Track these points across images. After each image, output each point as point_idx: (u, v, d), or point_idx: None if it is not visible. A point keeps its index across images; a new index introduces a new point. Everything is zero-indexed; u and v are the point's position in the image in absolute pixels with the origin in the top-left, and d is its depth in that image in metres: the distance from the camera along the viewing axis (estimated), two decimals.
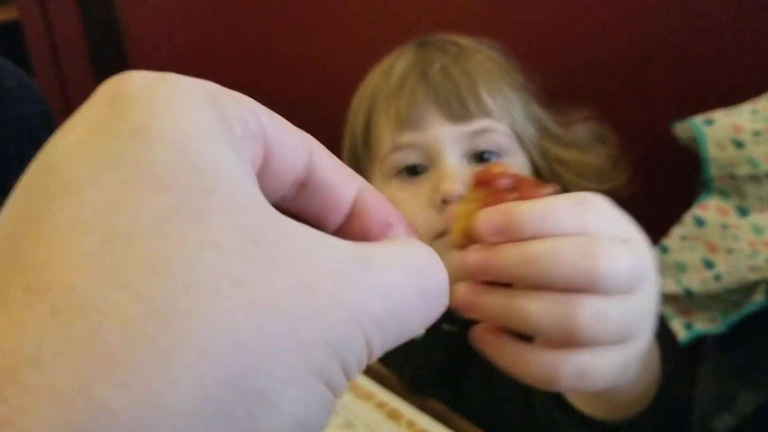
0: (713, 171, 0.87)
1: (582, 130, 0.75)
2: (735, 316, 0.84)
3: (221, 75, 1.17)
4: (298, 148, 0.22)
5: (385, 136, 0.69)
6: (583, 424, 0.46)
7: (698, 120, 0.88)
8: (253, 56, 1.34)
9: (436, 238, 0.65)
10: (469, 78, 0.67)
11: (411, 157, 0.67)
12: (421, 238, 0.57)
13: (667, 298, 0.91)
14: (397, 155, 0.67)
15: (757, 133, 0.84)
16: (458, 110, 0.65)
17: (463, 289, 0.34)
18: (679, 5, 1.01)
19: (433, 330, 0.61)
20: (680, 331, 0.91)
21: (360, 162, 0.74)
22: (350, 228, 0.24)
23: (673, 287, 0.89)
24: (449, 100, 0.65)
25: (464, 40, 0.74)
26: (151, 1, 1.42)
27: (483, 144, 0.65)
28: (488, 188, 0.34)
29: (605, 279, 0.31)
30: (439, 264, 0.22)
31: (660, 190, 1.05)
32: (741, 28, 0.98)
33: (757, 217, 0.85)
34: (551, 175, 0.72)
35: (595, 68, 1.07)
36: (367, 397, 0.69)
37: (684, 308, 0.91)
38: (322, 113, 1.29)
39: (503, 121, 0.67)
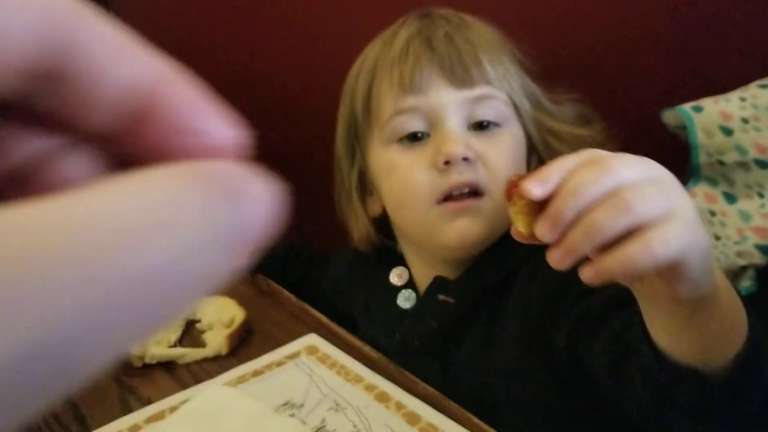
0: (701, 158, 0.87)
1: (571, 108, 0.76)
2: None
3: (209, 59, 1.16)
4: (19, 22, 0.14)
5: (388, 101, 0.70)
6: (678, 373, 0.46)
7: (687, 107, 0.88)
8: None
9: (439, 203, 0.66)
10: (472, 46, 0.68)
11: (413, 123, 0.69)
12: (422, 202, 0.60)
13: None
14: (399, 119, 0.69)
15: (745, 121, 0.84)
16: (461, 76, 0.67)
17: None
18: None
19: (429, 299, 0.63)
20: None
21: (359, 130, 0.75)
22: (131, 141, 0.16)
23: None
24: (453, 65, 0.67)
25: (465, 15, 0.75)
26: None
27: (483, 110, 0.68)
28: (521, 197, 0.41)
29: (643, 213, 0.39)
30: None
31: None
32: (730, 17, 0.99)
33: (744, 204, 0.86)
34: (544, 145, 0.73)
35: (585, 54, 1.07)
36: (356, 380, 0.70)
37: None
38: (311, 109, 1.30)
39: (502, 89, 0.68)
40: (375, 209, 0.78)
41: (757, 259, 0.78)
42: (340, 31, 1.24)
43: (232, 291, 0.92)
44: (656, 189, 0.40)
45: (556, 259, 0.40)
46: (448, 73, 0.67)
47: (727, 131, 0.85)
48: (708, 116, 0.86)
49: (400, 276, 0.77)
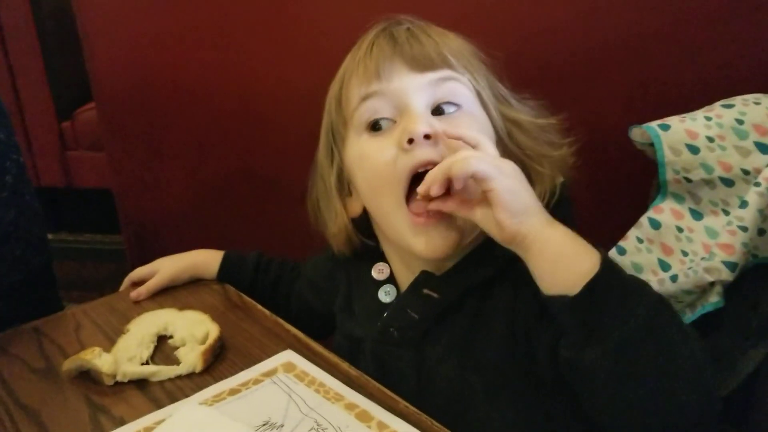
0: (668, 175, 0.89)
1: (533, 104, 0.79)
2: (690, 317, 0.86)
3: (187, 80, 1.15)
4: None
5: (355, 91, 0.73)
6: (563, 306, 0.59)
7: (654, 125, 0.90)
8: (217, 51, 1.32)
9: (401, 185, 0.70)
10: (433, 40, 0.72)
11: (378, 107, 0.71)
12: (391, 185, 0.71)
13: None
14: (365, 106, 0.72)
15: (711, 139, 0.87)
16: (422, 61, 0.70)
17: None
18: (636, 11, 1.04)
19: (413, 292, 0.67)
20: None
21: (335, 130, 0.77)
22: None
23: None
24: (413, 53, 0.70)
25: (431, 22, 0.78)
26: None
27: (445, 93, 0.71)
28: None
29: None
30: None
31: (617, 193, 1.08)
32: (696, 38, 1.02)
33: (710, 220, 0.88)
34: (508, 136, 0.75)
35: (549, 69, 1.09)
36: (336, 398, 0.70)
37: None
38: (291, 132, 1.29)
39: (464, 74, 0.72)
40: (354, 209, 0.79)
41: (725, 275, 0.81)
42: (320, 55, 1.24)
43: (203, 304, 0.91)
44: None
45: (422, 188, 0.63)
46: (409, 59, 0.71)
47: (694, 149, 0.87)
48: (674, 134, 0.88)
49: (381, 271, 0.79)
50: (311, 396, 0.71)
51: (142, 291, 0.95)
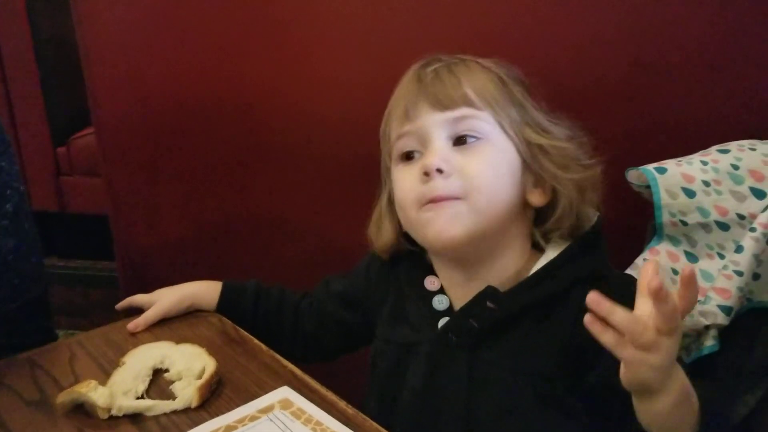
0: (665, 217, 0.90)
1: (566, 127, 0.84)
2: (686, 360, 0.86)
3: (185, 99, 1.16)
4: None
5: (393, 129, 0.84)
6: None
7: (651, 167, 0.91)
8: (217, 78, 1.33)
9: (421, 207, 0.79)
10: (455, 77, 0.80)
11: (408, 143, 0.82)
12: (411, 206, 0.79)
13: None
14: (400, 143, 0.82)
15: (707, 184, 0.88)
16: (443, 101, 0.79)
17: None
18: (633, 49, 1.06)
19: (476, 303, 0.78)
20: None
21: (384, 161, 0.89)
22: None
23: None
24: (436, 93, 0.79)
25: (465, 56, 0.85)
26: (110, 19, 1.38)
27: (465, 128, 0.78)
28: None
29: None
30: None
31: (613, 234, 1.09)
32: (690, 84, 1.03)
33: (706, 264, 0.89)
34: (533, 161, 0.80)
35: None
36: None
37: None
38: (292, 160, 1.30)
39: (484, 110, 0.79)
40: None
41: (720, 319, 0.81)
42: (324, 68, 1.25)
43: (200, 338, 0.91)
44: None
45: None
46: (432, 99, 0.79)
47: (690, 193, 0.88)
48: (671, 177, 0.90)
49: (433, 283, 0.86)
50: None
51: (139, 322, 0.94)
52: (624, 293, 0.64)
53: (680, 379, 0.63)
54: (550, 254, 0.80)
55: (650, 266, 0.60)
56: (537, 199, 0.81)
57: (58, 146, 2.56)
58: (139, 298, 0.99)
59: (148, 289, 1.02)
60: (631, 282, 0.71)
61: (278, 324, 0.99)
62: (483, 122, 0.78)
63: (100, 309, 2.45)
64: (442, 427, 0.78)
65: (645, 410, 0.64)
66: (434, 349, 0.80)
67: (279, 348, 0.92)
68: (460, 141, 0.78)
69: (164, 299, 0.97)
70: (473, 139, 0.78)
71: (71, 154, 2.56)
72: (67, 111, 2.58)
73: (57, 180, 2.59)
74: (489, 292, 0.78)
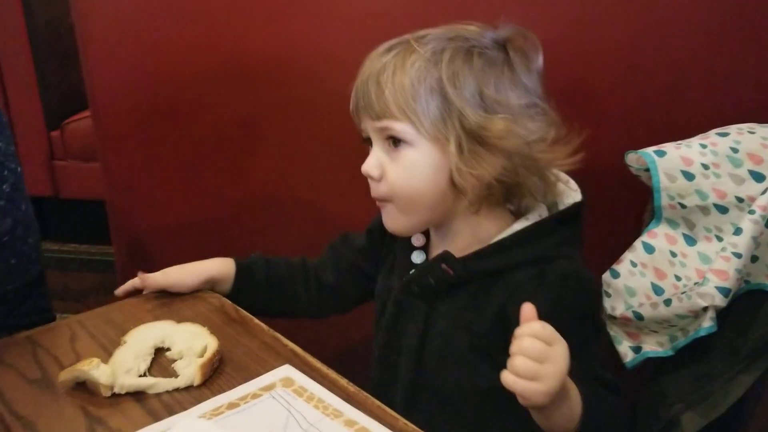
0: (663, 200, 0.91)
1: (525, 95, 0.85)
2: (683, 341, 0.87)
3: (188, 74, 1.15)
4: None
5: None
6: None
7: (650, 150, 0.92)
8: (220, 57, 1.32)
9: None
10: (379, 88, 0.84)
11: (364, 133, 0.89)
12: None
13: (617, 321, 0.95)
14: (363, 134, 0.89)
15: (706, 167, 0.88)
16: (371, 112, 0.85)
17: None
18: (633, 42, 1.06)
19: (434, 264, 0.87)
20: (628, 353, 0.94)
21: None
22: None
23: (622, 310, 0.93)
24: (366, 105, 0.86)
25: (409, 53, 0.84)
26: (106, 1, 1.37)
27: (389, 134, 0.84)
28: None
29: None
30: None
31: (611, 217, 1.09)
32: (691, 65, 1.04)
33: (704, 246, 0.89)
34: (482, 145, 0.82)
35: (549, 94, 1.11)
36: (335, 414, 0.70)
37: (632, 332, 0.94)
38: (289, 142, 1.30)
39: (403, 120, 0.83)
40: None
41: (718, 300, 0.82)
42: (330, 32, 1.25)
43: (199, 318, 0.91)
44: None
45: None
46: (365, 108, 0.86)
47: (689, 176, 0.89)
48: (670, 160, 0.90)
49: (418, 239, 0.95)
50: (310, 412, 0.71)
51: (151, 281, 0.99)
52: (555, 286, 0.80)
53: (568, 397, 0.72)
54: (516, 226, 0.86)
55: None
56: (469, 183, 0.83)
57: (51, 130, 2.55)
58: (159, 281, 1.00)
59: (146, 272, 1.01)
60: (568, 276, 0.81)
61: (293, 285, 1.04)
62: (404, 131, 0.83)
63: (94, 293, 2.45)
64: (401, 367, 0.89)
65: (539, 420, 0.73)
66: (401, 296, 0.90)
67: (294, 309, 1.04)
68: (395, 142, 0.84)
69: (183, 283, 1.00)
70: (400, 142, 0.84)
71: (65, 138, 2.55)
72: (61, 95, 2.56)
73: (50, 164, 2.58)
74: (444, 257, 0.86)
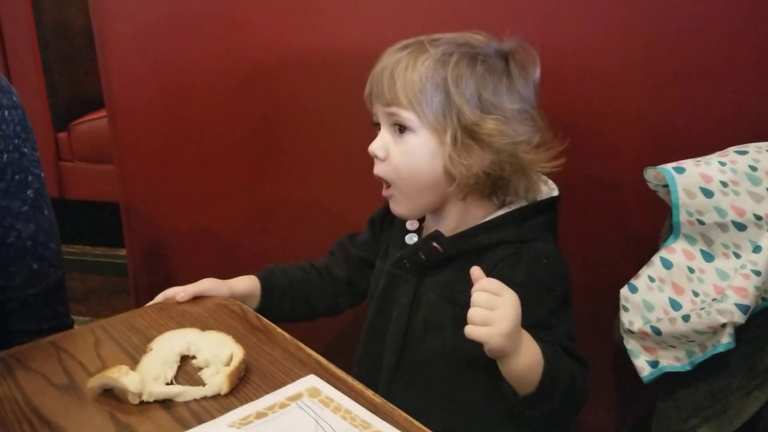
0: (682, 216, 0.92)
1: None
2: (701, 357, 0.89)
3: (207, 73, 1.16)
4: None
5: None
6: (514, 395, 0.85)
7: (669, 167, 0.93)
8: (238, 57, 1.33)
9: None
10: (392, 79, 0.93)
11: (374, 117, 0.98)
12: None
13: (635, 336, 0.96)
14: (373, 118, 0.98)
15: (725, 184, 0.90)
16: (382, 98, 0.94)
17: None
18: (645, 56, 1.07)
19: (425, 242, 0.98)
20: (646, 367, 0.95)
21: None
22: None
23: (640, 325, 0.94)
24: (379, 92, 0.95)
25: (422, 52, 0.93)
26: (125, 4, 1.38)
27: (396, 120, 0.93)
28: None
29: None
30: None
31: (629, 231, 1.11)
32: (709, 83, 1.05)
33: (721, 263, 0.91)
34: (462, 146, 0.91)
35: (570, 110, 1.12)
36: (363, 425, 0.71)
37: (650, 346, 0.96)
38: (305, 150, 1.30)
39: (409, 109, 0.92)
40: None
41: (737, 317, 0.83)
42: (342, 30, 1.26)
43: (223, 326, 0.92)
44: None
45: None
46: (378, 94, 0.95)
47: (708, 193, 0.90)
48: (689, 177, 0.91)
49: (412, 224, 1.04)
50: (338, 422, 0.72)
51: (180, 290, 1.01)
52: (530, 262, 0.90)
53: (530, 348, 0.82)
54: (500, 212, 0.95)
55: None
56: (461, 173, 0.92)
57: (58, 132, 2.55)
58: (194, 289, 1.02)
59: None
60: (542, 256, 0.91)
61: (310, 286, 1.11)
62: (408, 118, 0.92)
63: (97, 295, 2.45)
64: (389, 334, 0.99)
65: (506, 372, 0.83)
66: (394, 269, 1.00)
67: (314, 309, 1.11)
68: (400, 129, 0.94)
69: (217, 291, 1.03)
70: (405, 129, 0.93)
71: (72, 139, 2.56)
72: (69, 96, 2.56)
73: (57, 165, 2.59)
74: (435, 235, 0.96)
